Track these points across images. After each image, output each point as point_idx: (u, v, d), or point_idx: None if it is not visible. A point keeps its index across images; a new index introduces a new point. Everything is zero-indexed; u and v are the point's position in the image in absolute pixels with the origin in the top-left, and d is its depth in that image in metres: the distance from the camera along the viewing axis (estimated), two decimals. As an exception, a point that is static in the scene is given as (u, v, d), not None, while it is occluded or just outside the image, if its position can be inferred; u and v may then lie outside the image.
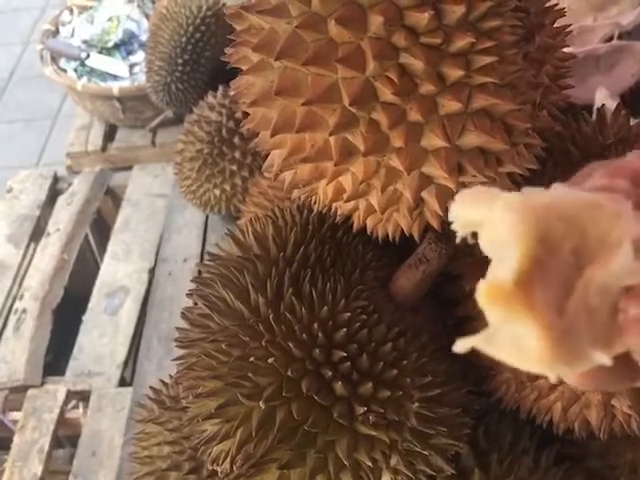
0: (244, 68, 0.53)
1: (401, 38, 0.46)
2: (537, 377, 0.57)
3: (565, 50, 0.56)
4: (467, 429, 0.60)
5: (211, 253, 0.64)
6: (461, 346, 0.24)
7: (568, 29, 0.55)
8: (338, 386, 0.53)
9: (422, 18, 0.45)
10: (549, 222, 0.23)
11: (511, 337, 0.23)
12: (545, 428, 0.65)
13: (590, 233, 0.22)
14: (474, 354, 0.56)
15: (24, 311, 1.81)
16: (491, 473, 0.65)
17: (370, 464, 0.54)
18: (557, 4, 0.54)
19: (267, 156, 0.58)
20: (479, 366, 0.61)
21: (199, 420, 0.58)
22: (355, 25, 0.46)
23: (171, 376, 0.81)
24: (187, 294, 0.63)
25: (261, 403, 0.53)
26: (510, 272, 0.22)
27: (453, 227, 0.27)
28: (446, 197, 0.52)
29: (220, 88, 1.35)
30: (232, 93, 0.56)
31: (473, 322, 0.60)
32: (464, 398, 0.60)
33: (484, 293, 0.23)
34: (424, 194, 0.51)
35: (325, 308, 0.55)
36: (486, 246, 0.25)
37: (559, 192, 0.24)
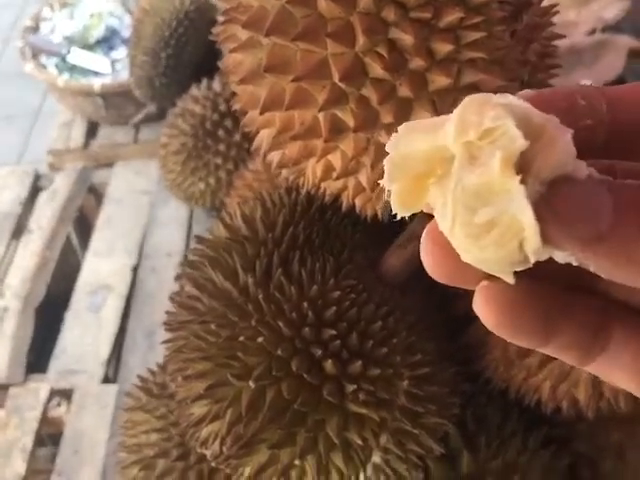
0: (232, 46, 0.53)
1: (391, 13, 0.46)
2: (526, 355, 0.58)
3: (552, 29, 0.56)
4: (455, 409, 0.60)
5: (199, 236, 0.64)
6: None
7: (555, 9, 0.56)
8: (328, 365, 0.53)
9: (412, -8, 0.46)
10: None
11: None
12: (533, 410, 0.65)
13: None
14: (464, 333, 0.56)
15: (5, 309, 1.79)
16: (479, 455, 0.65)
17: (360, 443, 0.54)
18: (544, -17, 0.54)
19: (255, 136, 0.57)
20: (468, 345, 0.62)
21: (188, 402, 0.57)
22: (344, 0, 0.46)
23: (158, 364, 0.81)
24: (175, 277, 0.63)
25: (251, 383, 0.53)
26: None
27: (387, 180, 0.25)
28: (436, 174, 0.52)
29: (204, 81, 1.35)
30: (215, 73, 0.56)
31: (462, 300, 0.60)
32: (452, 378, 0.60)
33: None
34: (414, 171, 0.51)
35: (314, 287, 0.55)
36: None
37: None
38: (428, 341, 0.59)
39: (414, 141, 0.24)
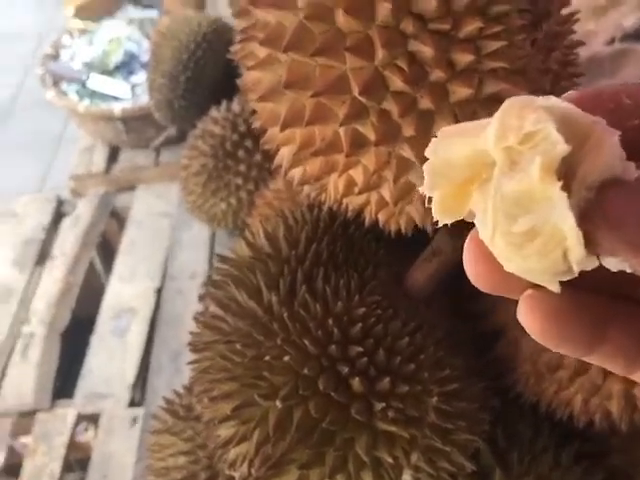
0: (251, 64, 0.53)
1: (409, 25, 0.46)
2: (557, 368, 0.57)
3: (573, 37, 0.55)
4: (486, 425, 0.59)
5: (222, 255, 0.63)
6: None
7: (575, 17, 0.55)
8: (355, 382, 0.52)
9: (430, 4, 0.45)
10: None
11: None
12: (565, 425, 0.64)
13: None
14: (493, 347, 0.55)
15: (31, 335, 1.80)
16: (511, 472, 0.64)
17: (391, 461, 0.53)
18: (563, -9, 0.54)
19: (276, 154, 0.57)
20: (497, 360, 0.61)
21: (215, 424, 0.57)
22: (363, 14, 0.46)
23: (184, 386, 0.80)
24: (199, 298, 0.62)
25: (278, 402, 0.52)
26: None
27: (427, 187, 0.24)
28: (459, 187, 0.51)
29: (223, 102, 1.35)
30: (233, 94, 0.56)
31: (490, 315, 0.59)
32: (482, 393, 0.59)
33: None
34: (437, 184, 0.51)
35: (339, 304, 0.54)
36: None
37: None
38: (456, 356, 0.58)
39: (454, 146, 0.23)
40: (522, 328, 0.55)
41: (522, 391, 0.61)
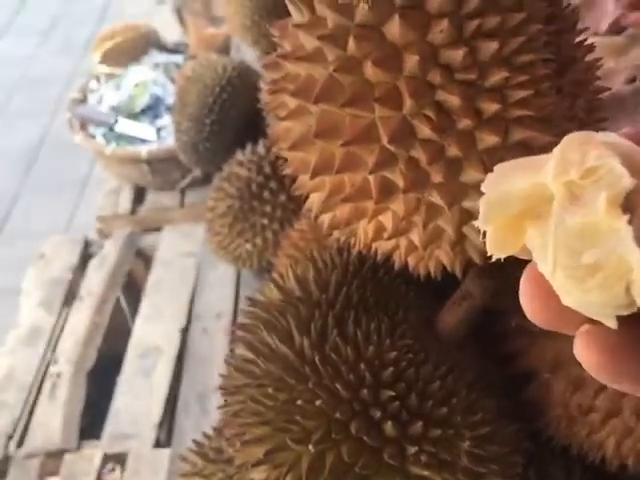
0: (282, 115, 0.54)
1: (436, 76, 0.47)
2: (589, 411, 0.56)
3: (598, 84, 0.56)
4: (519, 468, 0.59)
5: (251, 298, 0.64)
6: None
7: (599, 63, 0.56)
8: (388, 426, 0.53)
9: (457, 55, 0.46)
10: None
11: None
12: (597, 468, 0.63)
13: None
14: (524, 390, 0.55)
15: (58, 375, 1.81)
16: (545, 515, 0.64)
17: (424, 505, 0.53)
18: (587, 39, 0.55)
19: (306, 199, 0.58)
20: (528, 403, 0.61)
21: (247, 468, 0.57)
22: (391, 65, 0.48)
23: (214, 428, 0.81)
24: (229, 341, 0.63)
25: (310, 447, 0.53)
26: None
27: (481, 223, 0.25)
28: (487, 232, 0.52)
29: (248, 145, 1.37)
30: (268, 142, 0.57)
31: (521, 357, 0.59)
32: (514, 437, 0.59)
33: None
34: (465, 229, 0.52)
35: (371, 347, 0.55)
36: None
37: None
38: (488, 399, 0.58)
39: (511, 180, 0.24)
40: (553, 370, 0.55)
41: (554, 434, 0.61)
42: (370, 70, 0.48)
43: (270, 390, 0.56)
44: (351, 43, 0.48)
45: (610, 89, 0.57)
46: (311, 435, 0.53)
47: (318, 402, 0.53)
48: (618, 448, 0.58)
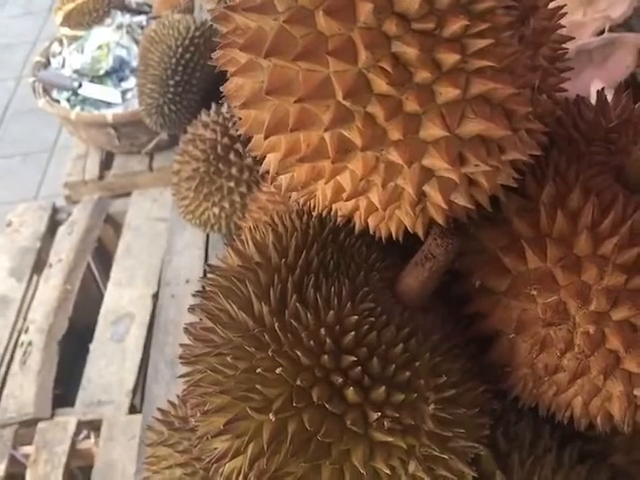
0: (233, 70, 0.51)
1: (392, 26, 0.45)
2: (555, 371, 0.55)
3: (561, 32, 0.54)
4: (486, 430, 0.58)
5: (211, 265, 0.62)
6: None
7: (562, 11, 0.54)
8: (350, 392, 0.51)
9: (413, 3, 0.44)
10: None
11: None
12: (566, 425, 0.63)
13: None
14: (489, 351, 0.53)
15: (30, 344, 1.79)
16: (513, 475, 0.63)
17: (388, 472, 0.52)
18: (549, -15, 0.53)
19: (262, 161, 0.56)
20: (494, 364, 0.59)
21: (208, 438, 0.55)
22: (344, 15, 0.45)
23: (178, 396, 0.79)
24: (189, 309, 0.61)
25: (271, 416, 0.51)
26: None
27: None
28: (449, 190, 0.50)
29: (213, 106, 1.34)
30: (223, 98, 0.55)
31: (485, 318, 0.58)
32: (480, 398, 0.58)
33: None
34: (426, 188, 0.50)
35: (331, 312, 0.53)
36: None
37: None
38: (453, 361, 0.56)
39: None
40: (518, 331, 0.54)
41: (520, 395, 0.60)
42: (323, 21, 0.46)
43: (229, 359, 0.54)
44: (302, -8, 0.46)
45: (574, 38, 0.55)
46: (272, 404, 0.52)
47: (278, 370, 0.52)
48: (586, 407, 0.57)
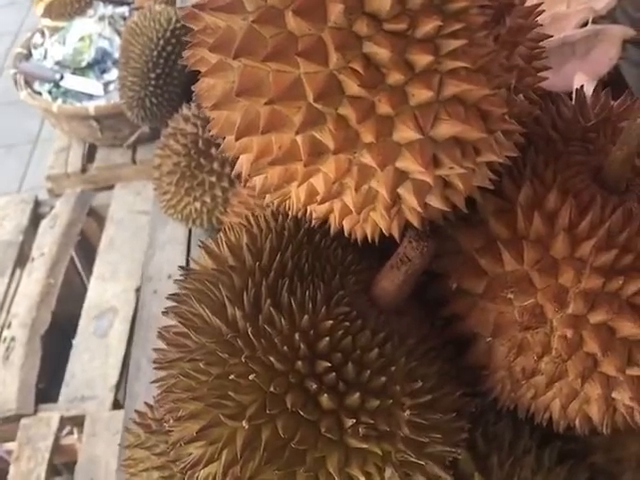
0: (203, 70, 0.50)
1: (363, 26, 0.44)
2: (532, 374, 0.55)
3: (538, 30, 0.53)
4: (464, 434, 0.57)
5: (184, 267, 0.61)
6: None
7: (539, 9, 0.53)
8: (324, 399, 0.50)
9: (384, 3, 0.43)
10: None
11: None
12: (546, 425, 0.62)
13: None
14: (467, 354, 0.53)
15: (12, 339, 1.77)
16: (492, 477, 0.62)
17: (364, 478, 0.51)
18: (526, -17, 0.52)
19: (235, 161, 0.55)
20: (472, 366, 0.59)
21: (182, 444, 0.55)
22: (314, 15, 0.44)
23: (155, 398, 0.78)
24: (163, 312, 0.60)
25: (244, 423, 0.50)
26: None
27: None
28: (424, 192, 0.49)
29: (194, 99, 1.32)
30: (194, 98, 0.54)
31: (461, 321, 0.57)
32: (458, 401, 0.57)
33: None
34: (400, 190, 0.49)
35: (305, 317, 0.52)
36: None
37: None
38: (429, 365, 0.56)
39: None
40: (495, 334, 0.53)
41: (499, 397, 0.59)
42: (292, 21, 0.44)
43: (202, 365, 0.53)
44: (271, -9, 0.44)
45: (551, 36, 0.54)
46: (245, 410, 0.51)
47: (252, 376, 0.51)
48: (564, 410, 0.57)
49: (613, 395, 0.54)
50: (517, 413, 0.62)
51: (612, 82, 1.16)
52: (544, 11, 0.53)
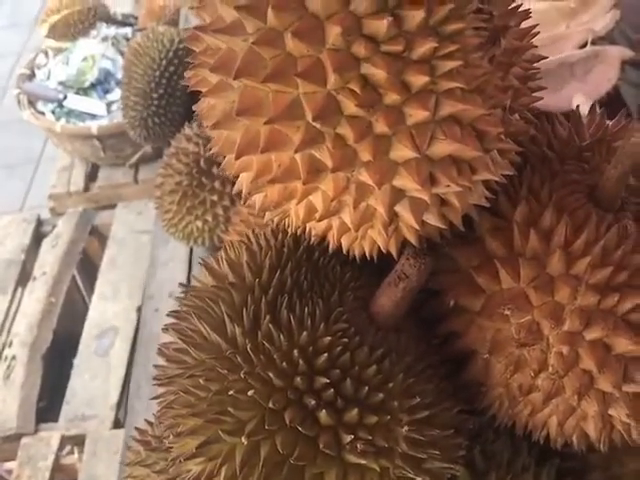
0: (204, 90, 0.51)
1: (361, 48, 0.45)
2: (529, 391, 0.55)
3: (533, 52, 0.54)
4: (462, 450, 0.57)
5: (185, 285, 0.62)
6: None
7: (534, 30, 0.54)
8: (322, 415, 0.51)
9: (381, 25, 0.44)
10: None
11: None
12: (544, 442, 0.62)
13: None
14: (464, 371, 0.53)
15: (13, 358, 1.77)
16: (491, 494, 0.63)
17: (362, 495, 0.51)
18: (521, 5, 0.53)
19: (236, 179, 0.56)
20: (469, 383, 0.59)
21: (181, 460, 0.55)
22: (312, 37, 0.45)
23: (155, 415, 0.78)
24: (163, 329, 0.60)
25: (243, 439, 0.51)
26: None
27: None
28: (421, 210, 0.50)
29: (196, 119, 1.34)
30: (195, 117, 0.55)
31: (459, 338, 0.58)
32: (456, 418, 0.57)
33: None
34: (398, 208, 0.49)
35: (304, 334, 0.53)
36: None
37: None
38: (427, 382, 0.56)
39: None
40: (492, 351, 0.53)
41: (496, 414, 0.60)
42: (291, 43, 0.45)
43: (202, 381, 0.53)
44: (270, 14, 0.45)
45: (547, 57, 0.55)
46: (244, 426, 0.51)
47: (251, 392, 0.51)
48: (561, 427, 0.57)
49: (610, 412, 0.55)
50: (515, 430, 0.62)
51: (612, 102, 1.17)
52: (539, 33, 0.54)
